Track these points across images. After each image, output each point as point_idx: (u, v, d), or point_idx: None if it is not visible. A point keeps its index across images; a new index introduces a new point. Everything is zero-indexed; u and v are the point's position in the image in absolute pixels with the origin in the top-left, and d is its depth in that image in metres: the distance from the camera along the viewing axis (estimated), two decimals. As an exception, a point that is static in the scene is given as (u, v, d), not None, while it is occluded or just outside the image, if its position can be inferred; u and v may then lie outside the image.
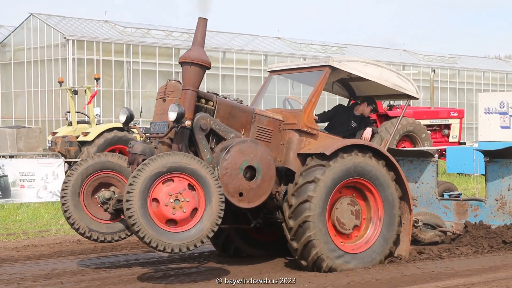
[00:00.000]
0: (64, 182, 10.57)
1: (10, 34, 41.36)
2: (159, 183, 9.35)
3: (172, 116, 9.87)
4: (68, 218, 10.54)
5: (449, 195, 14.00)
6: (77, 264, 11.66)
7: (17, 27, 40.94)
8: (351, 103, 12.67)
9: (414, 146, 26.92)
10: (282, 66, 12.15)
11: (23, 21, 40.51)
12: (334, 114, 12.31)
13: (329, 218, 10.65)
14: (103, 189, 10.71)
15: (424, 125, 28.08)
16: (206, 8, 10.38)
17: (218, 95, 10.83)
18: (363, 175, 10.75)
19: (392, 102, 30.03)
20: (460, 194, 14.34)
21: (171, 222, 9.44)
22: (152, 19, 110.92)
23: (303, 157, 10.80)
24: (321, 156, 10.51)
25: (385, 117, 28.09)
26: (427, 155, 13.39)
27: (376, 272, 10.62)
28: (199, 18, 10.36)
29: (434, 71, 35.59)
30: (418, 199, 13.44)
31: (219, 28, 51.40)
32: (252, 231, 11.86)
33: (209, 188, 9.55)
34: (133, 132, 19.19)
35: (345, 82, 12.57)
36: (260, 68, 42.36)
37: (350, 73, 11.45)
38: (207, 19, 10.40)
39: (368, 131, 11.90)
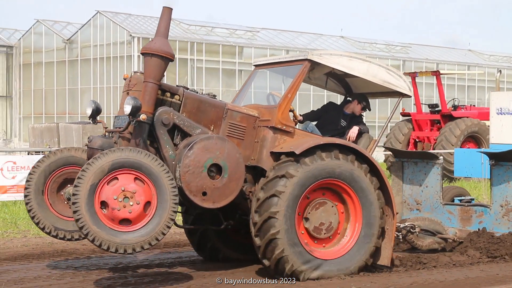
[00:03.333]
0: (27, 181, 10.20)
1: (77, 31, 41.76)
2: (104, 183, 8.95)
3: (127, 109, 9.42)
4: (32, 218, 10.19)
5: (460, 200, 13.17)
6: (141, 259, 11.70)
7: (84, 25, 41.33)
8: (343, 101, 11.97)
9: (479, 147, 25.99)
10: (266, 60, 11.54)
11: (90, 19, 40.87)
12: (324, 113, 11.62)
13: (300, 224, 10.02)
14: (69, 185, 10.26)
15: (489, 126, 27.15)
16: None
17: (187, 88, 10.33)
18: (336, 176, 10.03)
19: (456, 102, 29.17)
20: (473, 199, 13.48)
21: (124, 221, 9.04)
22: (216, 17, 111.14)
23: (276, 156, 10.18)
24: (292, 155, 9.89)
25: (449, 118, 27.52)
26: (432, 157, 12.58)
27: (439, 273, 10.36)
28: (163, 7, 9.87)
29: (500, 71, 34.22)
30: (422, 203, 12.67)
31: (282, 26, 51.12)
32: (235, 235, 11.35)
33: (160, 182, 9.08)
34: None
35: (341, 78, 11.85)
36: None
37: (333, 68, 10.78)
38: (172, 9, 9.89)
39: (353, 130, 11.15)
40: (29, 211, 10.17)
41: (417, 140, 28.95)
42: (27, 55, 44.02)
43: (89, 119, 10.41)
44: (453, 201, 13.23)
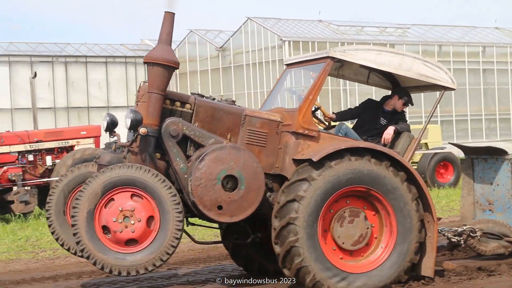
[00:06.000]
0: (47, 203, 10.09)
1: (229, 38, 42.15)
2: (101, 207, 8.81)
3: (127, 123, 9.13)
4: (56, 240, 10.13)
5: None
6: (192, 272, 11.58)
7: (236, 32, 41.65)
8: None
9: None
10: (295, 59, 10.82)
11: (241, 26, 41.13)
12: (362, 111, 10.78)
13: (325, 233, 9.31)
14: None
15: None
16: (173, 1, 9.42)
17: (202, 96, 9.88)
18: (367, 183, 9.24)
19: None
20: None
21: (130, 241, 8.91)
22: (365, 16, 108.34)
23: (298, 163, 9.48)
24: (310, 162, 9.19)
25: None
26: (500, 153, 11.40)
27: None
28: (165, 12, 9.38)
29: None
30: (494, 203, 11.52)
31: (434, 21, 49.15)
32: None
33: (157, 193, 8.83)
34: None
35: (385, 72, 10.97)
36: (478, 60, 39.81)
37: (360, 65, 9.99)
38: (174, 14, 9.41)
39: (388, 131, 10.21)
40: (52, 233, 10.10)
41: None
42: (182, 65, 44.57)
43: (106, 133, 10.19)
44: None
